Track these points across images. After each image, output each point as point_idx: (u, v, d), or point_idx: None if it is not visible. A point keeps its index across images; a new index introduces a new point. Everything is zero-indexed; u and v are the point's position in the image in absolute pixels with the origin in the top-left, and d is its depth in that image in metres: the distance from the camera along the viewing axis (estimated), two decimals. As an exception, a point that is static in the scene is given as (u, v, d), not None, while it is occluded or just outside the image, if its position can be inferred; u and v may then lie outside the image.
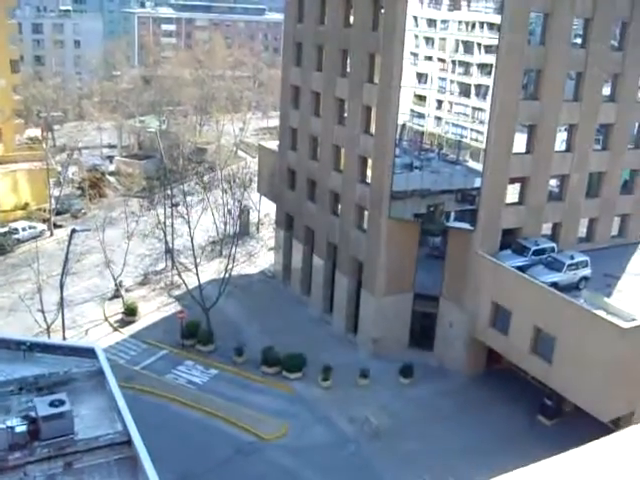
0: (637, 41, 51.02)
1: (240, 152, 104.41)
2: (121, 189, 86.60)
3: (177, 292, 59.83)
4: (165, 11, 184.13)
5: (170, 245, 56.87)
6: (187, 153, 77.38)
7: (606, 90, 51.58)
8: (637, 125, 54.53)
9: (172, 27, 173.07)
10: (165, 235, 56.02)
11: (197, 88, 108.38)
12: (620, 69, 51.09)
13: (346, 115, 53.49)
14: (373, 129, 50.25)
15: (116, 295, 60.36)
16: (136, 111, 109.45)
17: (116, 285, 60.40)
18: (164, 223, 57.24)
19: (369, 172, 51.30)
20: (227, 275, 52.88)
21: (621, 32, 50.77)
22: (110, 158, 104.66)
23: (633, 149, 54.60)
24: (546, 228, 51.68)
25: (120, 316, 57.37)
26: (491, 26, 45.12)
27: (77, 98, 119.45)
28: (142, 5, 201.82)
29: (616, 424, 39.93)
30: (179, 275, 54.83)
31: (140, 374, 48.78)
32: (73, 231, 46.22)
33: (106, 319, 57.25)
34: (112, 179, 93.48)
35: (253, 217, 77.06)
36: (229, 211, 61.06)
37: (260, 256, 68.21)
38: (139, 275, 63.25)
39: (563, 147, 50.53)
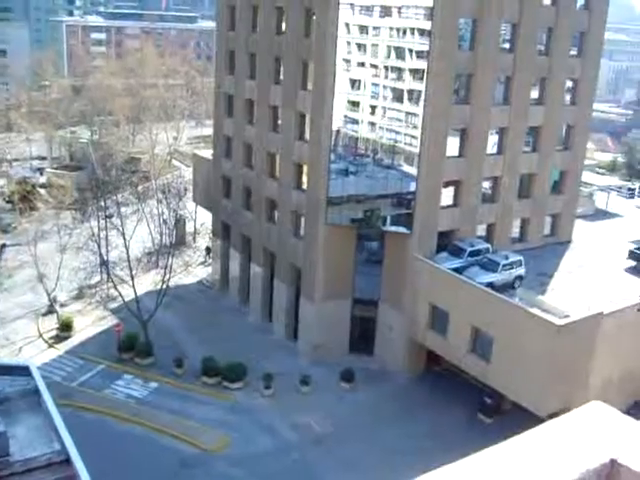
0: (562, 46, 52.54)
1: (174, 161, 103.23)
2: (53, 202, 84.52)
3: (113, 305, 58.65)
4: (94, 19, 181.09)
5: (105, 257, 55.82)
6: (120, 163, 76.18)
7: (534, 93, 52.87)
8: (564, 127, 55.98)
9: (102, 36, 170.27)
10: (99, 247, 54.95)
11: (129, 97, 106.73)
12: (547, 73, 52.46)
13: (280, 122, 53.50)
14: (308, 136, 50.39)
15: (50, 310, 58.89)
16: (67, 122, 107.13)
17: (50, 300, 58.95)
18: (98, 235, 56.16)
19: (305, 179, 51.38)
20: (164, 286, 52.18)
21: (547, 37, 52.17)
22: (40, 170, 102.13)
23: (561, 150, 56.07)
24: (481, 229, 52.62)
25: (55, 332, 55.96)
26: (422, 32, 45.75)
27: (4, 109, 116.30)
28: (70, 14, 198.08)
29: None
30: (115, 288, 53.81)
31: (77, 390, 47.67)
32: (3, 246, 45.00)
33: (40, 335, 55.77)
34: (43, 191, 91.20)
35: (189, 227, 76.28)
36: (165, 221, 60.26)
37: (197, 266, 67.55)
38: (74, 289, 61.83)
39: (494, 150, 51.59)
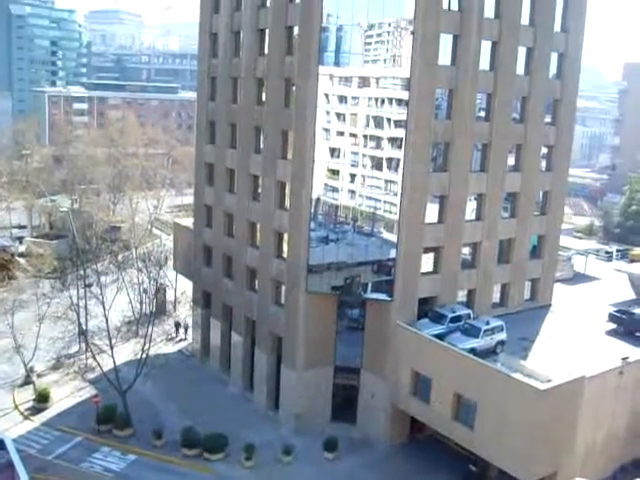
0: (536, 114, 53.82)
1: (155, 230, 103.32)
2: (32, 270, 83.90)
3: (92, 375, 57.62)
4: (77, 90, 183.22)
5: (84, 327, 55.18)
6: (100, 232, 76.02)
7: (511, 160, 53.86)
8: (541, 193, 56.87)
9: (84, 106, 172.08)
10: (78, 317, 54.42)
11: (110, 166, 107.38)
12: (522, 140, 53.59)
13: (261, 191, 53.89)
14: (288, 204, 50.73)
15: (27, 381, 57.79)
16: (47, 190, 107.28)
17: (27, 371, 57.93)
18: (77, 304, 55.63)
19: (285, 247, 51.48)
20: (144, 356, 51.54)
21: (521, 106, 53.44)
22: (20, 239, 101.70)
23: (539, 215, 56.83)
24: (461, 295, 52.78)
25: (31, 403, 54.83)
26: (399, 102, 46.70)
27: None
28: (53, 84, 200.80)
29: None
30: (94, 358, 53.04)
31: (53, 464, 46.43)
32: (-20, 316, 44.46)
33: (16, 407, 54.61)
34: (22, 260, 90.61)
35: (170, 295, 75.80)
36: (145, 290, 59.98)
37: (167, 342, 66.94)
38: (51, 359, 60.83)
39: (473, 216, 52.17)
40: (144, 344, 51.86)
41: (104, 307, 51.96)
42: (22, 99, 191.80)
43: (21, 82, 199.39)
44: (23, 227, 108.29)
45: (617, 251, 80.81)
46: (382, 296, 48.77)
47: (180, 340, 68.38)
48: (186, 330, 68.77)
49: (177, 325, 69.03)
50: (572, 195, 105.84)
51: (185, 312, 72.07)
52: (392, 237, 47.80)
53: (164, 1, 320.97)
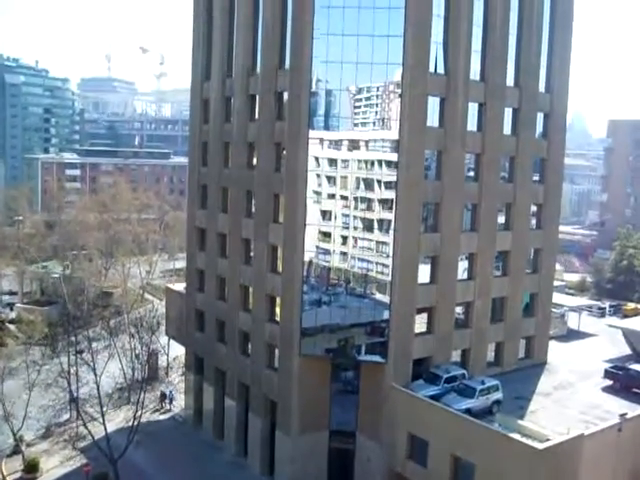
0: (525, 173, 54.50)
1: (147, 295, 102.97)
2: (22, 337, 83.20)
3: (83, 444, 56.63)
4: (69, 156, 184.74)
5: (75, 394, 54.43)
6: (92, 298, 75.74)
7: (501, 219, 54.26)
8: (532, 251, 57.15)
9: (77, 172, 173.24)
10: (69, 384, 53.70)
11: (102, 232, 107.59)
12: (512, 199, 54.09)
13: (253, 255, 53.97)
14: (280, 268, 50.77)
15: (16, 451, 56.81)
16: (39, 256, 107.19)
17: (16, 440, 56.95)
18: (68, 371, 54.98)
19: (278, 310, 51.30)
20: (136, 423, 50.75)
21: (510, 165, 54.13)
22: (11, 305, 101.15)
23: (531, 273, 56.97)
24: (456, 355, 52.44)
25: (20, 473, 53.85)
26: (389, 164, 47.23)
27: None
28: (46, 151, 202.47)
29: None
30: (84, 426, 52.16)
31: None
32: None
33: (4, 478, 53.51)
34: (12, 327, 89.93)
35: (162, 361, 75.09)
36: (137, 356, 59.35)
37: (152, 413, 65.95)
38: (41, 428, 59.86)
39: (465, 275, 52.23)
40: (136, 411, 51.12)
41: (95, 374, 51.40)
42: (15, 166, 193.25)
43: (14, 149, 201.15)
44: (14, 293, 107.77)
45: (610, 307, 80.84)
46: (376, 358, 48.41)
47: (165, 412, 66.99)
48: (171, 401, 67.36)
49: (162, 396, 67.45)
50: (563, 252, 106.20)
51: (177, 378, 71.32)
52: (385, 298, 47.72)
53: (157, 68, 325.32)
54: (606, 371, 53.19)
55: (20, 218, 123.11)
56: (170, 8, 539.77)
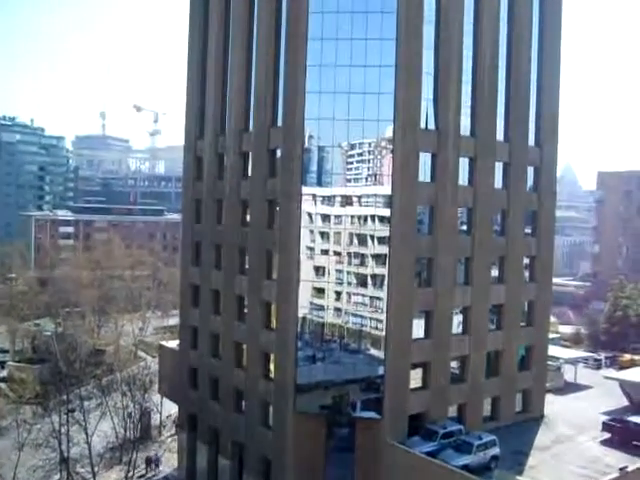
0: (517, 226, 54.85)
1: (140, 352, 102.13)
2: (13, 396, 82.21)
3: (74, 507, 55.63)
4: (63, 214, 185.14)
5: (65, 454, 53.55)
6: (84, 356, 75.06)
7: (494, 272, 54.33)
8: (526, 303, 57.12)
9: (70, 229, 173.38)
10: (60, 444, 52.89)
11: (95, 289, 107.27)
12: (505, 252, 54.30)
13: (246, 311, 53.74)
14: (274, 324, 50.55)
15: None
16: (31, 314, 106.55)
17: (5, 505, 55.79)
18: (59, 431, 54.20)
19: (272, 367, 50.89)
20: (128, 484, 49.87)
21: (502, 219, 54.48)
22: (2, 363, 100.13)
23: (525, 326, 56.84)
24: (452, 410, 51.92)
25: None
26: (382, 219, 47.49)
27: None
28: (40, 208, 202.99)
29: None
30: (76, 488, 51.28)
31: None
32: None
33: None
34: (3, 385, 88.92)
35: (155, 419, 74.11)
36: (129, 415, 58.74)
37: (163, 461, 64.78)
38: (31, 491, 58.66)
39: (460, 329, 52.06)
40: (128, 471, 50.30)
41: (87, 433, 50.82)
42: (9, 222, 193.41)
43: (8, 206, 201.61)
44: (5, 351, 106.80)
45: (606, 358, 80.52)
46: (372, 414, 47.89)
47: (151, 477, 65.32)
48: (157, 465, 65.53)
49: (148, 461, 64.83)
50: (557, 304, 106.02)
51: (170, 437, 70.29)
52: (379, 354, 47.47)
53: (151, 126, 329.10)
54: (604, 424, 52.67)
55: (13, 275, 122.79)
56: (165, 66, 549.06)
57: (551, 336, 66.51)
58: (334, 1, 47.73)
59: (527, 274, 57.45)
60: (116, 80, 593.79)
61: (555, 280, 71.64)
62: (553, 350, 66.15)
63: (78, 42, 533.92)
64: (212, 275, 57.56)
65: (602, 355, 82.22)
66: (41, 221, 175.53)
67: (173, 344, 68.51)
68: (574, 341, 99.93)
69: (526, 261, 57.04)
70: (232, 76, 55.50)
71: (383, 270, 47.28)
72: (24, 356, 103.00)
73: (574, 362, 70.85)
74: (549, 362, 62.16)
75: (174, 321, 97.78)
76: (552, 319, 77.30)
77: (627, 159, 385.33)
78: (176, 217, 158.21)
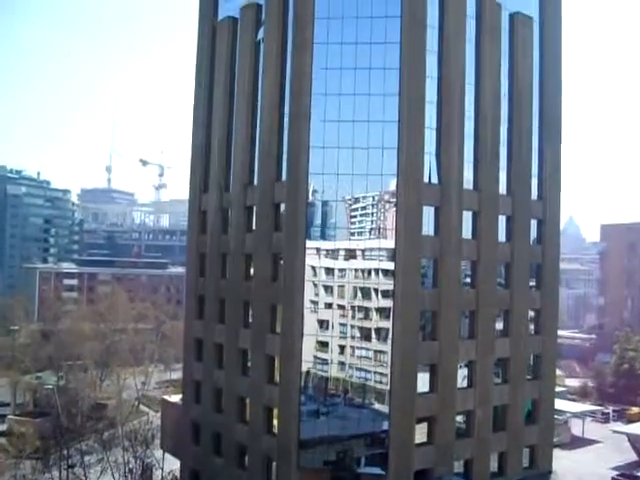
0: (521, 279, 54.83)
1: (142, 407, 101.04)
2: (12, 451, 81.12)
3: None
4: (68, 266, 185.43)
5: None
6: (86, 410, 74.35)
7: (499, 325, 54.13)
8: (532, 357, 56.73)
9: (74, 282, 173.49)
10: (60, 502, 52.08)
11: (98, 342, 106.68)
12: (509, 305, 54.18)
13: (250, 365, 53.39)
14: (277, 378, 50.18)
15: None
16: (33, 367, 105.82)
17: None
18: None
19: (275, 422, 50.36)
20: None
21: (506, 272, 54.50)
22: (2, 417, 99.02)
23: (532, 380, 56.37)
24: (458, 465, 51.20)
25: None
26: (386, 272, 47.60)
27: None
28: (44, 260, 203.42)
29: None
30: None
31: None
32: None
33: None
34: (3, 440, 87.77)
35: (156, 475, 72.95)
36: (130, 470, 57.80)
37: None
38: None
39: (465, 383, 51.66)
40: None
41: (87, 490, 49.96)
42: (12, 275, 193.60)
43: (12, 258, 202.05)
44: (6, 405, 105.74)
45: (614, 412, 79.74)
46: (376, 470, 47.27)
47: None
48: None
49: None
50: (563, 357, 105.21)
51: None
52: (384, 408, 47.10)
53: (156, 180, 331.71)
54: (613, 479, 51.88)
55: (15, 328, 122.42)
56: (171, 120, 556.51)
57: (558, 389, 66.04)
58: (337, 58, 48.71)
59: (532, 327, 57.23)
60: (122, 134, 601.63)
61: (560, 333, 71.44)
62: (560, 404, 65.53)
63: (85, 96, 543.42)
64: (216, 329, 57.34)
65: (610, 408, 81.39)
66: (45, 273, 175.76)
67: (176, 398, 67.90)
68: (581, 394, 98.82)
69: (531, 314, 56.94)
70: (237, 131, 56.22)
71: (387, 324, 47.19)
72: (25, 409, 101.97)
73: (581, 416, 70.12)
74: (556, 416, 61.51)
75: (177, 375, 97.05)
76: (558, 372, 76.95)
77: (630, 211, 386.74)
78: (180, 270, 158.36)
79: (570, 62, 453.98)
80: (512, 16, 55.29)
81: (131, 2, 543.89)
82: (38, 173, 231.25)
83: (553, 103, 58.33)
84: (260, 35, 54.59)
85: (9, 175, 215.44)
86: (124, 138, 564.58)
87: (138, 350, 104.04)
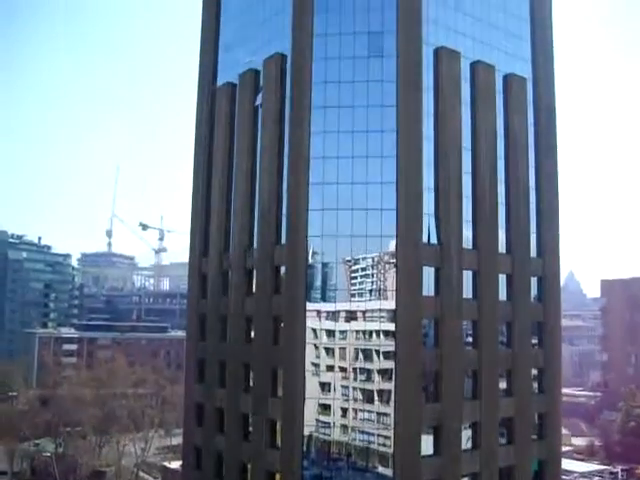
0: (523, 338, 54.50)
1: (142, 474, 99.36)
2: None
3: None
4: (67, 331, 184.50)
5: None
6: (84, 477, 73.11)
7: (502, 384, 53.58)
8: (537, 416, 56.01)
9: (73, 347, 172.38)
10: None
11: (97, 408, 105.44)
12: (512, 365, 53.72)
13: (251, 430, 52.66)
14: (279, 442, 49.46)
15: None
16: (31, 433, 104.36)
17: None
18: None
19: (278, 487, 49.53)
20: None
21: (507, 331, 54.23)
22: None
23: (537, 440, 55.54)
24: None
25: None
26: (387, 333, 47.43)
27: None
28: (44, 325, 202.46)
29: None
30: None
31: None
32: None
33: None
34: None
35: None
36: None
37: None
38: None
39: (470, 445, 50.89)
40: None
41: None
42: (11, 339, 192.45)
43: (12, 323, 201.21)
44: (3, 473, 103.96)
45: (622, 471, 78.59)
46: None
47: None
48: None
49: None
50: (568, 415, 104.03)
51: None
52: (388, 472, 46.41)
53: (156, 243, 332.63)
54: None
55: (14, 394, 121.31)
56: (171, 184, 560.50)
57: (564, 449, 65.05)
58: (335, 121, 49.55)
59: (536, 385, 56.59)
60: (123, 198, 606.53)
61: (565, 391, 70.84)
62: (567, 464, 64.52)
63: (86, 160, 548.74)
64: (216, 393, 56.72)
65: (618, 468, 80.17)
66: (45, 338, 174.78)
67: (176, 465, 66.89)
68: (588, 453, 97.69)
69: (534, 372, 56.34)
70: (236, 194, 56.72)
71: (389, 385, 46.80)
72: (22, 477, 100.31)
73: (589, 476, 68.97)
74: (563, 476, 60.46)
75: (178, 440, 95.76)
76: (564, 431, 75.86)
77: (630, 265, 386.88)
78: (181, 334, 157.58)
79: (566, 116, 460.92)
80: (506, 77, 56.32)
81: (131, 66, 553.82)
82: (39, 238, 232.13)
83: (549, 159, 58.92)
84: (258, 100, 55.57)
85: (10, 240, 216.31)
86: (124, 202, 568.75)
87: (138, 415, 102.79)
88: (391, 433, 46.32)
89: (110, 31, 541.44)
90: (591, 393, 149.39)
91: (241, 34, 59.50)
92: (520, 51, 58.36)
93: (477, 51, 54.60)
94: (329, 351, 48.44)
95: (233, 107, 58.52)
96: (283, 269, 50.72)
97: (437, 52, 51.90)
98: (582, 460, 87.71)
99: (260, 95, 55.41)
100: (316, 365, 48.05)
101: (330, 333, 48.52)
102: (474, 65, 54.07)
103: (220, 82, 60.93)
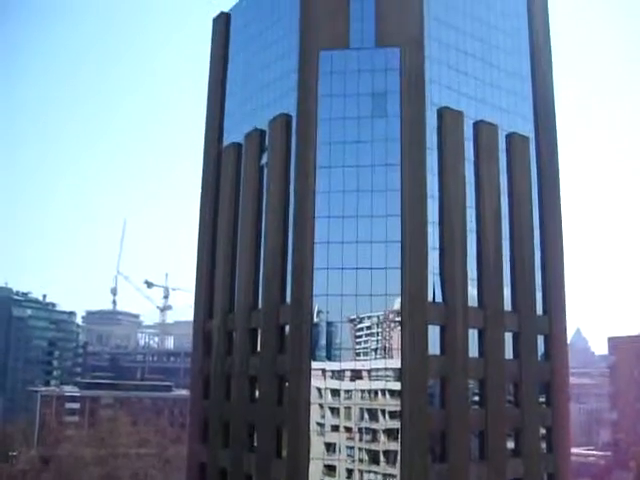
0: (530, 396, 53.87)
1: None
2: None
3: None
4: (70, 389, 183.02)
5: None
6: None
7: (510, 444, 52.74)
8: (546, 477, 54.99)
9: (76, 405, 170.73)
10: None
11: (99, 468, 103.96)
12: (520, 424, 52.98)
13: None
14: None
15: None
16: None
17: None
18: None
19: None
20: None
21: (515, 389, 53.65)
22: None
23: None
24: None
25: None
26: (393, 393, 46.97)
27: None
28: (47, 383, 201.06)
29: None
30: None
31: None
32: None
33: None
34: None
35: None
36: None
37: None
38: None
39: (478, 508, 49.90)
40: None
41: None
42: (13, 398, 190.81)
43: (14, 381, 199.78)
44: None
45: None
46: None
47: None
48: None
49: None
50: (578, 476, 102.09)
51: None
52: (396, 539, 45.31)
53: (161, 302, 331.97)
54: None
55: (15, 453, 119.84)
56: (176, 242, 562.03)
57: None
58: (340, 181, 49.98)
59: (544, 445, 55.65)
60: (128, 255, 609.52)
61: (574, 450, 69.65)
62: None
63: (91, 218, 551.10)
64: (220, 453, 55.98)
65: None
66: (47, 397, 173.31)
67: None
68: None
69: (543, 431, 55.48)
70: (241, 253, 56.92)
71: (395, 445, 46.15)
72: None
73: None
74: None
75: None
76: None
77: (638, 322, 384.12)
78: (184, 393, 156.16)
79: (570, 177, 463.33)
80: (508, 136, 56.93)
81: (137, 125, 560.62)
82: (44, 296, 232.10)
83: (553, 217, 59.10)
84: (264, 160, 56.28)
85: (15, 297, 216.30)
86: (129, 259, 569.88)
87: (140, 476, 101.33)
88: (398, 495, 45.49)
89: (121, 89, 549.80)
90: (601, 453, 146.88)
91: (247, 95, 60.57)
92: (522, 109, 59.12)
93: (479, 110, 55.42)
94: (334, 411, 47.91)
95: (239, 166, 59.25)
96: (288, 328, 50.55)
97: (440, 112, 52.63)
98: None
99: (265, 154, 56.09)
100: (321, 425, 47.50)
101: (335, 392, 48.07)
102: (477, 124, 54.80)
103: (226, 142, 61.79)
